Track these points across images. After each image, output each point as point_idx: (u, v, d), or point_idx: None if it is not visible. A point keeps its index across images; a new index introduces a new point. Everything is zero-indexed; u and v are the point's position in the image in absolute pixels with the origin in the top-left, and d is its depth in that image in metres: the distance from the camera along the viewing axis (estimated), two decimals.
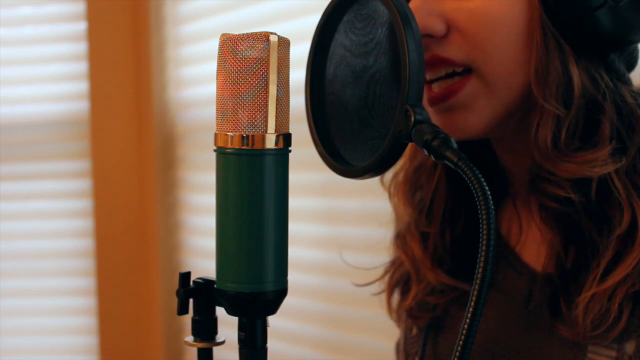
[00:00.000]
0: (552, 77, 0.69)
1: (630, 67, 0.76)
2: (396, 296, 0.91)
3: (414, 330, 0.90)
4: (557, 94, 0.69)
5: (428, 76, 0.72)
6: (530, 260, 0.79)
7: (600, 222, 0.71)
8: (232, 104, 0.57)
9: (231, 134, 0.57)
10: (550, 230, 0.75)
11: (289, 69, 0.58)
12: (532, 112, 0.71)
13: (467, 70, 0.71)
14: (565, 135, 0.70)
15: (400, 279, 0.90)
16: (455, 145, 0.56)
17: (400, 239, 0.89)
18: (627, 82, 0.75)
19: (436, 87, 0.72)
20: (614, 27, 0.68)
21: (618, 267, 0.69)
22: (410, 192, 0.87)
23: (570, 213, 0.72)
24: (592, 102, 0.71)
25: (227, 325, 0.66)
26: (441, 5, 0.70)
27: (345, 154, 0.69)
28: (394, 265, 0.92)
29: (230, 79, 0.57)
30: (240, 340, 0.60)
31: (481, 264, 0.51)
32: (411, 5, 0.70)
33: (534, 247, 0.79)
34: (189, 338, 0.61)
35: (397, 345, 0.95)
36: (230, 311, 0.59)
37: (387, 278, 0.92)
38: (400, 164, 0.88)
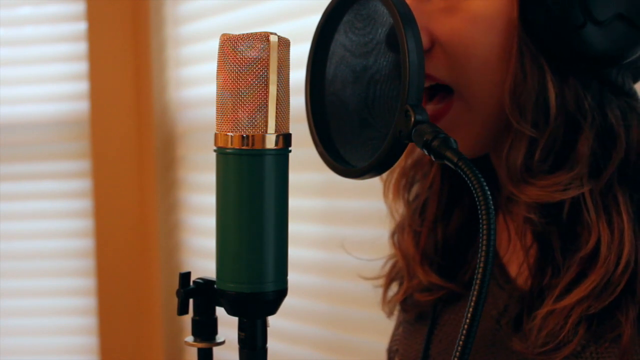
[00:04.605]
0: (527, 98, 0.68)
1: (638, 77, 0.74)
2: (393, 289, 0.91)
3: (400, 328, 0.90)
4: (532, 114, 0.68)
5: None
6: (514, 273, 0.78)
7: (568, 242, 0.71)
8: (232, 104, 0.57)
9: (231, 134, 0.57)
10: (525, 245, 0.74)
11: (289, 69, 0.58)
12: (507, 130, 0.70)
13: (449, 90, 0.71)
14: (538, 157, 0.69)
15: (399, 272, 0.90)
16: (455, 146, 0.56)
17: (396, 234, 0.89)
18: (628, 94, 0.72)
19: (429, 106, 0.72)
20: (599, 46, 0.66)
21: (577, 288, 0.68)
22: (404, 187, 0.87)
23: (542, 230, 0.72)
24: (572, 121, 0.69)
25: (227, 325, 0.66)
26: (427, 19, 0.70)
27: (345, 154, 0.69)
28: (394, 259, 0.92)
29: (230, 79, 0.57)
30: (240, 340, 0.60)
31: (481, 264, 0.51)
32: None
33: (518, 260, 0.78)
34: (189, 338, 0.61)
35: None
36: (230, 311, 0.59)
37: (387, 270, 0.92)
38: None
